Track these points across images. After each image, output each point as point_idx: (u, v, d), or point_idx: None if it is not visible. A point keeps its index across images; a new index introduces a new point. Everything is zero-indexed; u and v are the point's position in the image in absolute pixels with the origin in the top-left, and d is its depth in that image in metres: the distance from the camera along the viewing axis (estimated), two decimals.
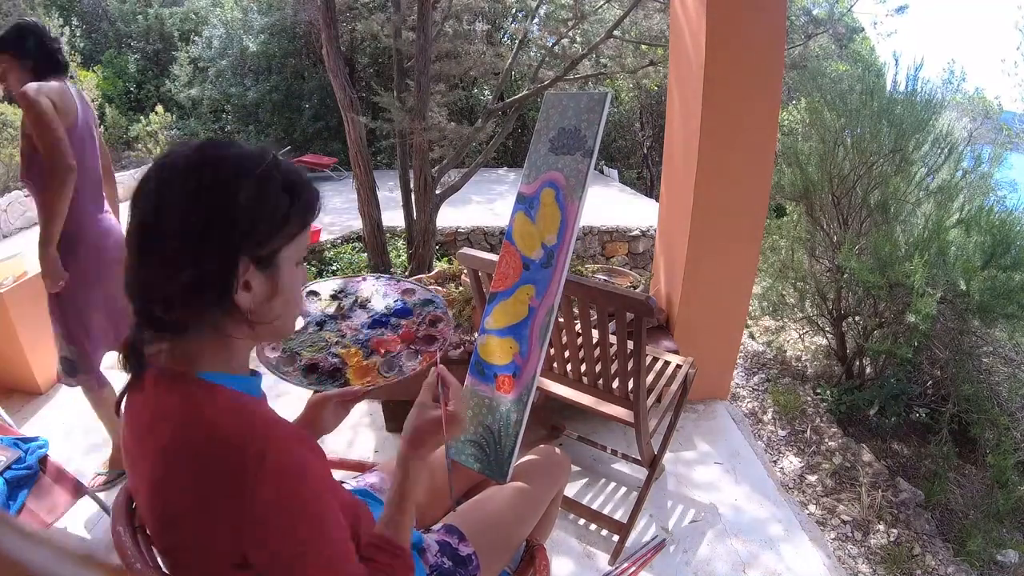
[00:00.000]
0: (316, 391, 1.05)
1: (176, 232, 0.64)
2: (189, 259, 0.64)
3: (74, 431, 2.43)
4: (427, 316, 1.21)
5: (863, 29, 11.25)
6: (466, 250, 1.76)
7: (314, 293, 1.29)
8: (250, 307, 0.68)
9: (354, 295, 1.28)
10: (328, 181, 9.19)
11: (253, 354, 0.89)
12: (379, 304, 1.25)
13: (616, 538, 1.82)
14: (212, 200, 0.64)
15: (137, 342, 0.71)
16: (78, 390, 1.99)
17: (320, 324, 1.20)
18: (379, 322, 1.20)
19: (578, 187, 1.29)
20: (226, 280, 0.65)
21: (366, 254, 5.10)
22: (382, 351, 1.13)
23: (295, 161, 9.37)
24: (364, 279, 1.32)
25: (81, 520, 1.93)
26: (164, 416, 0.68)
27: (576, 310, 1.62)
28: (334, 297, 1.28)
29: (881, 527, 2.12)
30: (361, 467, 1.30)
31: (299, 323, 1.21)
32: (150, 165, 0.71)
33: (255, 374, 0.79)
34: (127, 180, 8.12)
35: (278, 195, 0.68)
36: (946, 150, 2.85)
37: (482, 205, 7.51)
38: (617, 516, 1.92)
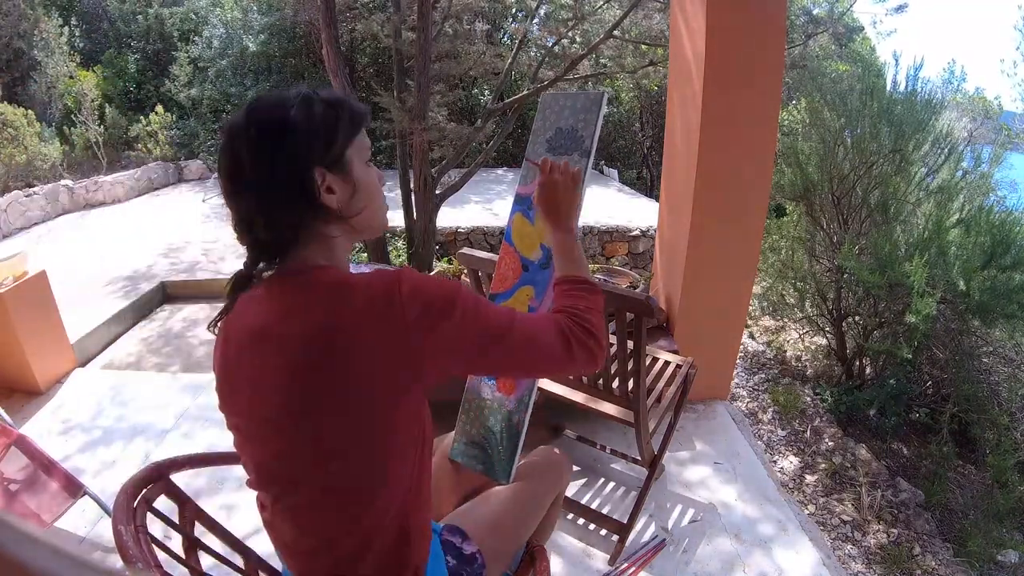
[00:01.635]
0: None
1: (254, 166, 0.76)
2: (272, 182, 0.76)
3: (74, 431, 2.43)
4: None
5: (863, 29, 11.24)
6: (466, 250, 1.76)
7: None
8: (339, 206, 0.79)
9: None
10: None
11: None
12: None
13: (616, 538, 1.82)
14: (271, 131, 0.76)
15: (250, 272, 0.83)
16: (77, 390, 1.98)
17: None
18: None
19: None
20: (310, 189, 0.76)
21: (366, 254, 5.10)
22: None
23: None
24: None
25: (81, 520, 1.93)
26: (297, 305, 0.76)
27: None
28: None
29: (881, 527, 2.12)
30: None
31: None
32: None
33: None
34: (127, 180, 8.12)
35: (324, 111, 0.78)
36: (946, 150, 2.85)
37: (481, 205, 7.51)
38: (617, 516, 1.92)
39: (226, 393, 0.83)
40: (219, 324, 0.85)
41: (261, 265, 0.82)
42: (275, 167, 0.75)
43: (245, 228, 0.79)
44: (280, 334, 0.75)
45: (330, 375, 0.73)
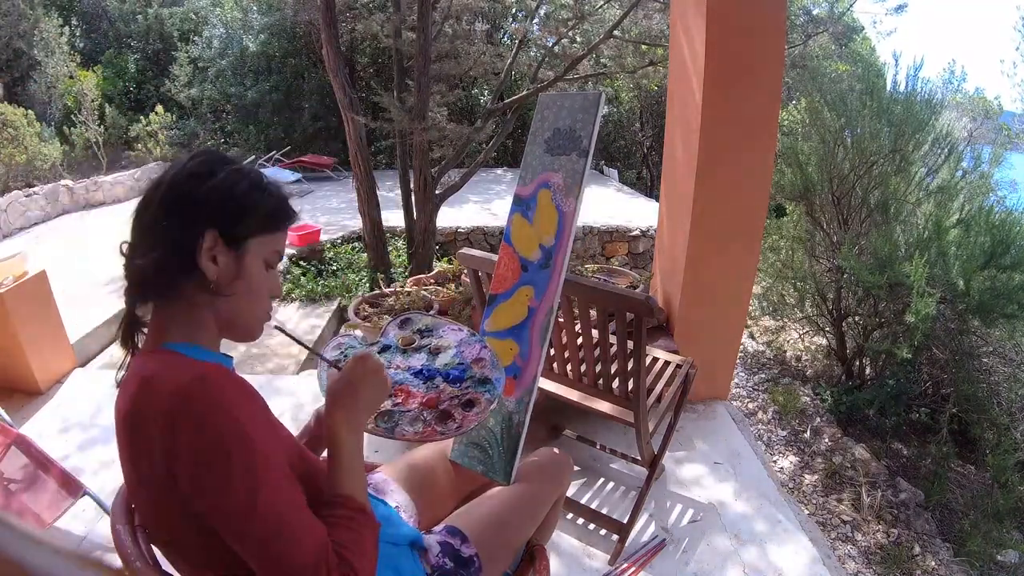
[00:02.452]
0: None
1: (156, 204, 0.76)
2: (163, 222, 0.76)
3: (73, 430, 2.43)
4: (469, 396, 1.08)
5: (863, 28, 11.25)
6: (466, 250, 1.76)
7: (408, 320, 1.24)
8: (215, 279, 0.77)
9: (434, 340, 1.21)
10: (327, 181, 9.19)
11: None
12: (444, 360, 1.17)
13: (616, 538, 1.82)
14: (190, 180, 0.76)
15: (131, 315, 0.82)
16: (77, 390, 1.98)
17: (383, 348, 1.16)
18: (422, 374, 1.13)
19: (574, 187, 1.29)
20: (191, 241, 0.75)
21: (366, 254, 5.10)
22: (398, 399, 1.07)
23: (295, 161, 9.36)
24: (461, 330, 1.22)
25: (81, 520, 1.93)
26: (126, 386, 0.76)
27: (576, 310, 1.62)
28: (419, 332, 1.22)
29: (881, 527, 2.12)
30: None
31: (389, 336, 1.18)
32: None
33: (226, 356, 0.84)
34: (127, 180, 8.13)
35: (251, 188, 0.79)
36: (946, 150, 2.85)
37: (479, 205, 7.51)
38: (617, 516, 1.92)
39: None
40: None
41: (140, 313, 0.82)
42: (177, 210, 0.76)
43: (127, 251, 0.79)
44: (118, 410, 0.77)
45: (133, 454, 0.75)
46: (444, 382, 1.10)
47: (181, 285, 0.77)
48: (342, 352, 1.14)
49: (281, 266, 4.68)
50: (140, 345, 0.83)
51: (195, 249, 0.75)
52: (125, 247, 0.80)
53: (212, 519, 0.69)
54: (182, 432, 0.68)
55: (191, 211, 0.76)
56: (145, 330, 0.82)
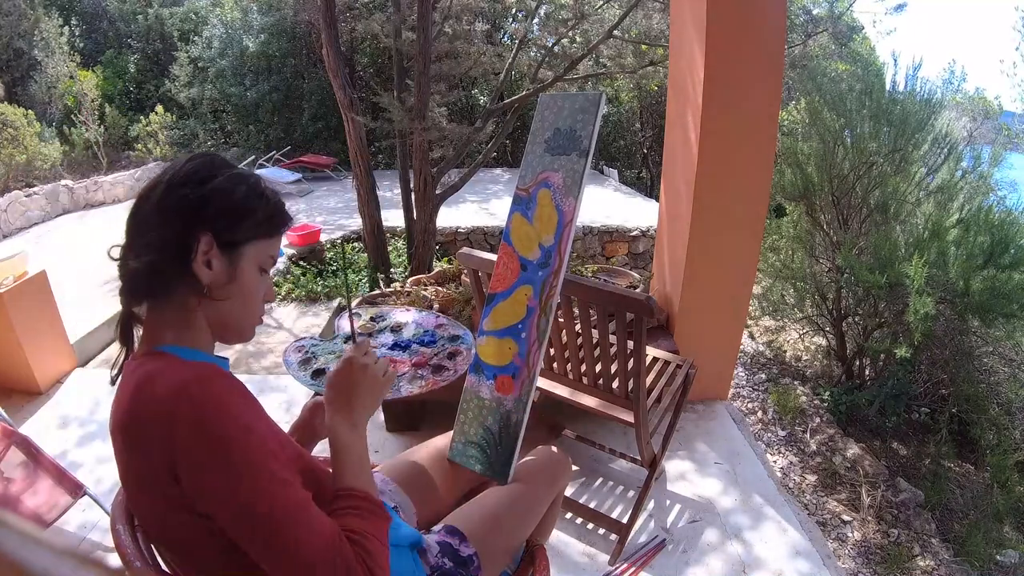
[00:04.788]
0: (317, 394, 1.08)
1: (152, 206, 0.76)
2: (159, 222, 0.75)
3: (73, 430, 2.43)
4: (448, 349, 1.27)
5: (863, 28, 11.25)
6: (466, 250, 1.76)
7: (357, 314, 1.38)
8: (209, 283, 0.76)
9: (392, 319, 1.38)
10: (327, 181, 9.19)
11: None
12: (409, 332, 1.34)
13: (616, 538, 1.82)
14: (187, 184, 0.76)
15: (128, 313, 0.81)
16: (77, 390, 1.98)
17: (347, 339, 1.27)
18: (400, 345, 1.28)
19: (574, 187, 1.29)
20: (187, 244, 0.74)
21: (366, 254, 5.10)
22: (392, 367, 1.17)
23: (295, 161, 9.34)
24: (408, 310, 1.42)
25: (81, 520, 1.93)
26: (121, 392, 0.76)
27: (576, 310, 1.62)
28: (372, 319, 1.39)
29: (881, 527, 2.12)
30: None
31: (340, 331, 1.34)
32: None
33: (220, 357, 0.84)
34: (127, 180, 8.13)
35: (249, 193, 0.79)
36: (946, 150, 2.85)
37: (478, 205, 7.51)
38: (617, 516, 1.92)
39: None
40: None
41: (136, 310, 0.81)
42: (174, 211, 0.75)
43: (121, 255, 0.78)
44: (113, 416, 0.76)
45: (132, 460, 0.74)
46: (421, 347, 1.26)
47: (174, 288, 0.77)
48: (305, 354, 1.26)
49: (281, 266, 4.68)
50: (137, 343, 0.82)
51: (190, 253, 0.75)
52: (115, 251, 0.79)
53: (219, 520, 0.68)
54: (182, 433, 0.67)
55: (187, 215, 0.75)
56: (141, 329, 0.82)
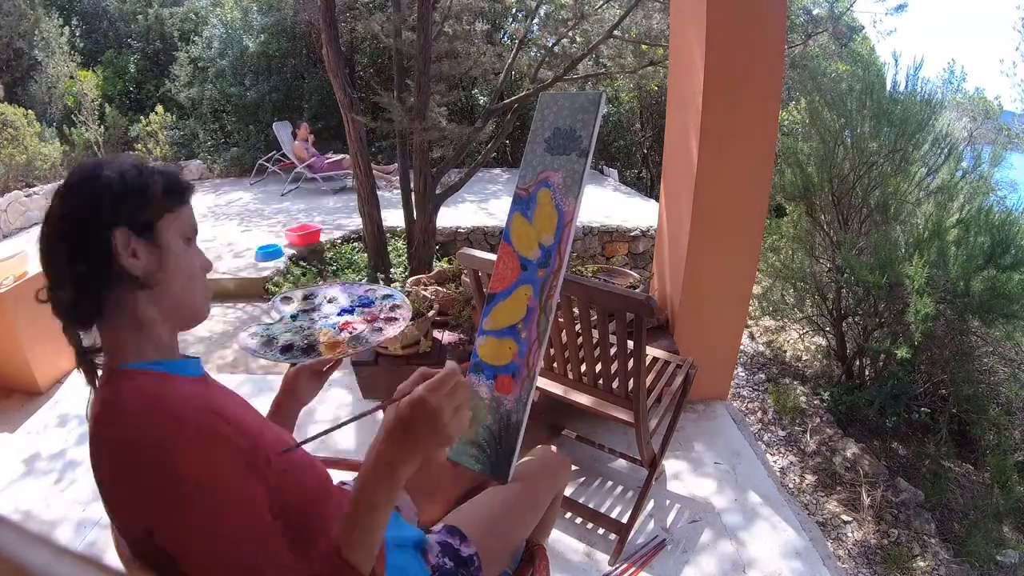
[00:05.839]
0: (292, 364, 1.18)
1: (56, 230, 0.75)
2: (69, 243, 0.74)
3: (73, 430, 2.43)
4: (388, 304, 1.45)
5: (863, 28, 11.24)
6: (466, 250, 1.76)
7: (287, 298, 1.53)
8: (143, 274, 0.76)
9: (322, 295, 1.54)
10: (329, 182, 9.15)
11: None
12: (344, 301, 1.51)
13: (616, 538, 1.82)
14: (80, 189, 0.75)
15: (80, 349, 0.80)
16: (77, 389, 1.99)
17: (293, 317, 1.43)
18: (346, 310, 1.44)
19: (574, 187, 1.29)
20: (105, 251, 0.73)
21: (366, 254, 5.10)
22: (349, 328, 1.36)
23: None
24: (331, 285, 1.58)
25: (81, 520, 1.93)
26: (91, 423, 0.74)
27: (576, 310, 1.62)
28: (305, 298, 1.53)
29: (881, 527, 2.12)
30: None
31: (275, 316, 1.46)
32: None
33: (189, 358, 0.83)
34: None
35: (137, 175, 0.78)
36: (946, 150, 2.85)
37: (478, 205, 7.51)
38: (617, 516, 1.92)
39: None
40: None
41: (89, 343, 0.81)
42: (77, 220, 0.74)
43: (48, 287, 0.77)
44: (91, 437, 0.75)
45: (114, 504, 0.73)
46: (363, 308, 1.44)
47: (113, 294, 0.76)
48: (261, 337, 1.36)
49: (281, 265, 4.68)
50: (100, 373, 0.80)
51: (111, 254, 0.74)
52: (42, 295, 0.78)
53: (181, 564, 0.67)
54: (136, 477, 0.66)
55: (91, 221, 0.74)
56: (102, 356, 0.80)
